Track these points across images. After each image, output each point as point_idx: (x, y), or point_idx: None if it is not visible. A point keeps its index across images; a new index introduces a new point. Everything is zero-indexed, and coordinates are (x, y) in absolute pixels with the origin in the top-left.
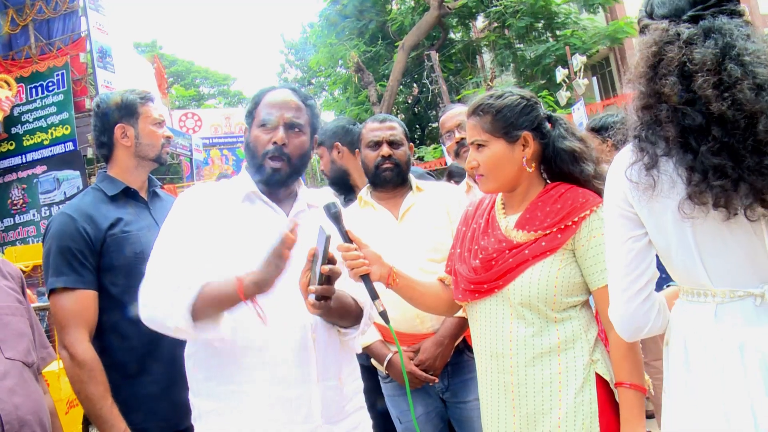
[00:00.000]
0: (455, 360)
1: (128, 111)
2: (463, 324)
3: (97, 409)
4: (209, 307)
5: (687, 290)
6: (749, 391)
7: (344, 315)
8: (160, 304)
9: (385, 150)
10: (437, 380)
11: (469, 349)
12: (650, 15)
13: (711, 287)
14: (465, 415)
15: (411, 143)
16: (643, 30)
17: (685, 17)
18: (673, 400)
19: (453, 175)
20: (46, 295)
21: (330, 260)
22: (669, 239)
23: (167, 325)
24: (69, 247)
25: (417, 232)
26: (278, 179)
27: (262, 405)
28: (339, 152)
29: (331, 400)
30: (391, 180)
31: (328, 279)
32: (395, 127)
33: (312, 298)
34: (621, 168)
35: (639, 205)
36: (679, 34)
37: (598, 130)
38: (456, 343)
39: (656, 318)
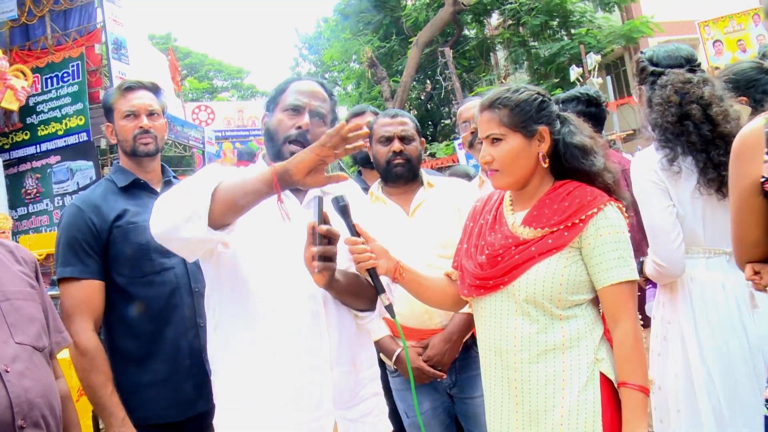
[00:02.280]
0: (463, 356)
1: (107, 109)
2: (471, 320)
3: (97, 397)
4: (235, 191)
5: (690, 250)
6: (731, 311)
7: (358, 293)
8: (176, 201)
9: (397, 145)
10: (445, 376)
11: (477, 344)
12: (656, 64)
13: (704, 246)
14: (472, 411)
15: (423, 138)
16: (652, 72)
17: (686, 68)
18: (679, 331)
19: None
20: (56, 285)
21: (325, 221)
22: (686, 209)
23: (177, 218)
24: (76, 237)
25: (427, 228)
26: None
27: (274, 391)
28: None
29: (345, 386)
30: (402, 175)
31: (329, 241)
32: (407, 122)
33: (316, 262)
34: (653, 160)
35: (669, 183)
36: (691, 80)
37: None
38: (465, 339)
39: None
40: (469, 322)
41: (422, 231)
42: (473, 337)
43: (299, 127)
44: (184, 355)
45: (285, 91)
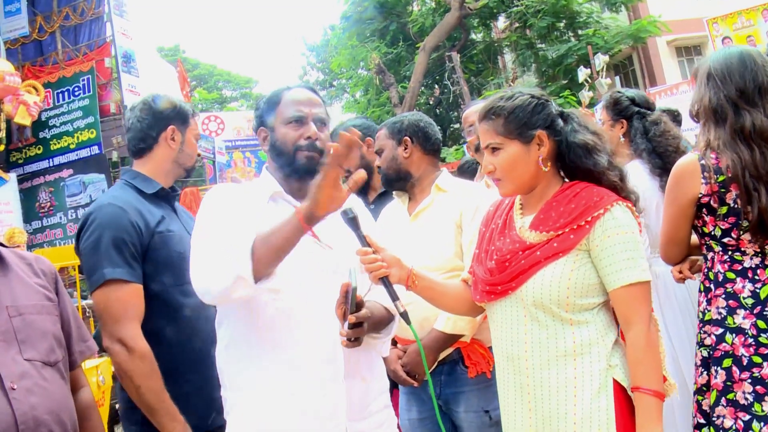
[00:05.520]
0: (449, 371)
1: (182, 117)
2: (446, 339)
3: (159, 402)
4: (270, 246)
5: (653, 251)
6: (684, 294)
7: (377, 326)
8: (217, 263)
9: (377, 161)
10: (417, 384)
11: (463, 362)
12: (639, 105)
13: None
14: (460, 425)
15: (407, 137)
16: (638, 111)
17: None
18: None
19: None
20: (94, 286)
21: (358, 305)
22: (650, 220)
23: (225, 284)
24: (123, 239)
25: (422, 235)
26: (313, 168)
27: (290, 401)
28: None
29: (355, 398)
30: (385, 186)
31: (358, 323)
32: (378, 136)
33: (344, 339)
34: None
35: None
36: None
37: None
38: (446, 353)
39: None
40: (443, 340)
41: (417, 237)
42: (460, 353)
43: (308, 137)
44: (213, 365)
45: (279, 103)
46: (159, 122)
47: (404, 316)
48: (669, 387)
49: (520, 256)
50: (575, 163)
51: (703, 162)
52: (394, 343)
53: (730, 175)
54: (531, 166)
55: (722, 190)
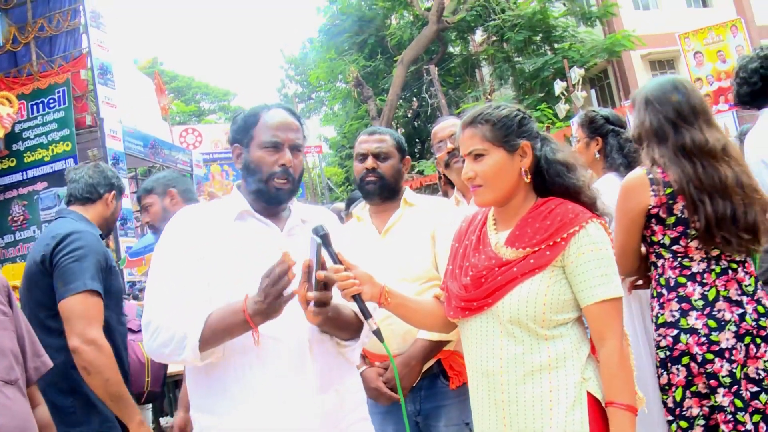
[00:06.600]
0: (429, 385)
1: (120, 189)
2: (432, 347)
3: (123, 392)
4: (218, 338)
5: None
6: (641, 299)
7: (344, 326)
8: (167, 343)
9: (369, 163)
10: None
11: (444, 375)
12: (613, 123)
13: None
14: None
15: (408, 157)
16: (612, 129)
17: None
18: (630, 321)
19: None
20: (73, 291)
21: (323, 266)
22: None
23: (175, 360)
24: (99, 261)
25: (395, 250)
26: (282, 198)
27: (261, 419)
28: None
29: (330, 411)
30: (374, 193)
31: (325, 285)
32: (384, 139)
33: (311, 306)
34: (612, 190)
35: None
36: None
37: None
38: (426, 367)
39: None
40: (429, 349)
41: (390, 253)
42: (441, 366)
43: (282, 165)
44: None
45: (256, 124)
46: (106, 184)
47: (377, 333)
48: (639, 400)
49: (496, 272)
50: (555, 180)
51: (651, 176)
52: (363, 357)
53: (676, 187)
54: (513, 175)
55: (670, 201)
